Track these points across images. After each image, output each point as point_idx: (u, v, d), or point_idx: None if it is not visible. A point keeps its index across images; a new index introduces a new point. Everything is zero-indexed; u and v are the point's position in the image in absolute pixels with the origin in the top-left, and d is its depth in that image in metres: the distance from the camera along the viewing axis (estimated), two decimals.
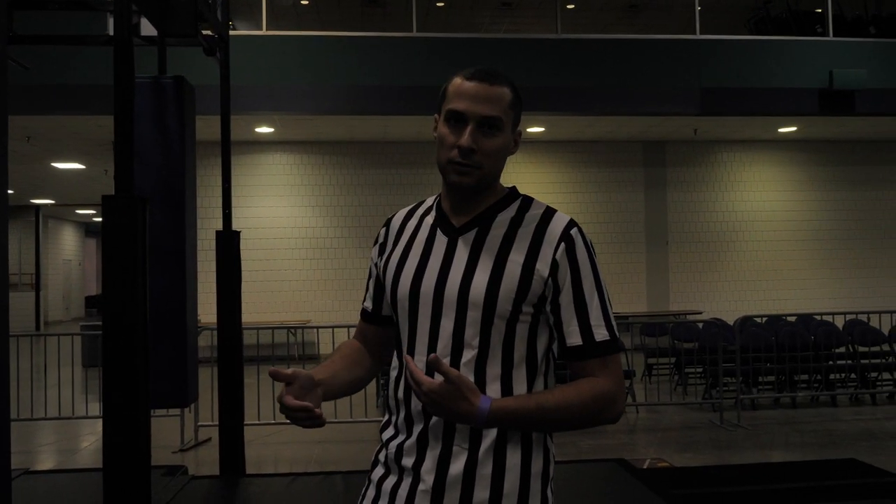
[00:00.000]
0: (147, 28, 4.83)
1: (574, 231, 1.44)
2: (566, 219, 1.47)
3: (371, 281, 1.64)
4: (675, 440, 6.50)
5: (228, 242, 5.13)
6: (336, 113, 10.20)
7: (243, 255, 5.32)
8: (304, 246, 12.14)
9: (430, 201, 1.60)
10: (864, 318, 8.60)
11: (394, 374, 1.53)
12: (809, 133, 12.38)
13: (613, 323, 1.44)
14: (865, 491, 4.64)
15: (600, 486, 4.67)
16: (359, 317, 1.70)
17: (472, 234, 1.47)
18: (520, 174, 12.13)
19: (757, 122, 11.45)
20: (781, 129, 12.10)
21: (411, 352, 1.47)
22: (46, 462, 6.24)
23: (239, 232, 5.20)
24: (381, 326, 1.64)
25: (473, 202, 1.49)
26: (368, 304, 1.66)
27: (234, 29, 12.04)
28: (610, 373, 1.41)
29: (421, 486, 1.41)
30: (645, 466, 5.44)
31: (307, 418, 1.37)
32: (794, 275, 12.98)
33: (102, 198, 3.31)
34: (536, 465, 1.43)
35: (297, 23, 13.91)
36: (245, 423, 5.29)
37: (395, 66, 9.90)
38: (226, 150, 5.25)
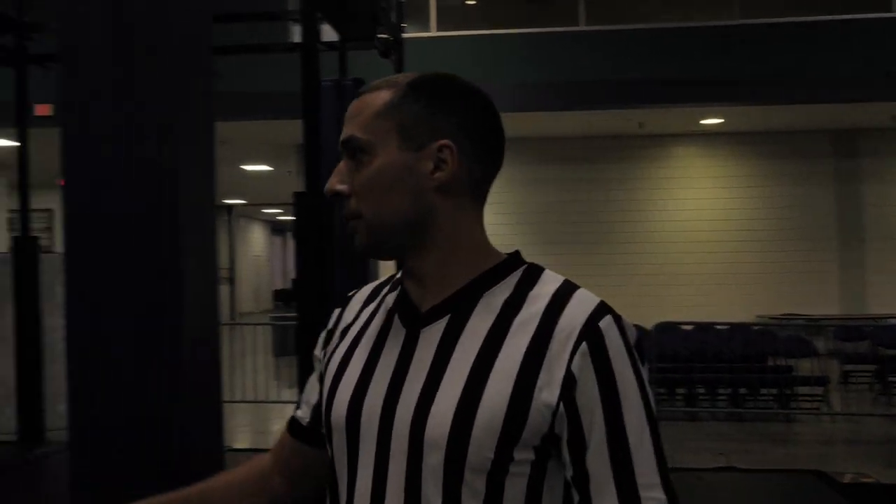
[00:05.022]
0: (326, 34, 5.07)
1: (605, 322, 0.87)
2: (592, 302, 0.89)
3: (314, 376, 1.10)
4: (878, 454, 5.95)
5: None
6: (505, 110, 10.22)
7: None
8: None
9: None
10: None
11: None
12: None
13: (669, 475, 0.87)
14: None
15: (796, 499, 4.34)
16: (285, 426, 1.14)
17: (440, 326, 0.93)
18: (695, 168, 11.61)
19: None
20: None
21: None
22: (243, 441, 6.73)
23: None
24: (312, 447, 1.07)
25: (435, 273, 0.95)
26: (304, 412, 1.10)
27: (405, 31, 12.41)
28: None
29: None
30: (846, 481, 4.99)
31: None
32: None
33: (294, 194, 3.51)
34: None
35: (465, 22, 14.12)
36: None
37: (562, 61, 9.84)
38: None
